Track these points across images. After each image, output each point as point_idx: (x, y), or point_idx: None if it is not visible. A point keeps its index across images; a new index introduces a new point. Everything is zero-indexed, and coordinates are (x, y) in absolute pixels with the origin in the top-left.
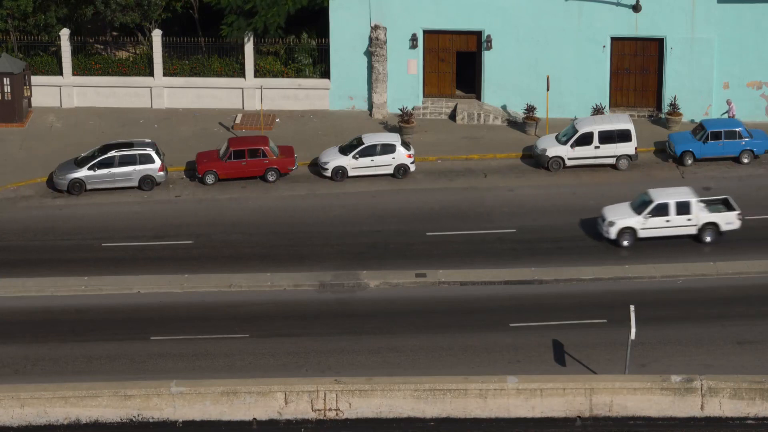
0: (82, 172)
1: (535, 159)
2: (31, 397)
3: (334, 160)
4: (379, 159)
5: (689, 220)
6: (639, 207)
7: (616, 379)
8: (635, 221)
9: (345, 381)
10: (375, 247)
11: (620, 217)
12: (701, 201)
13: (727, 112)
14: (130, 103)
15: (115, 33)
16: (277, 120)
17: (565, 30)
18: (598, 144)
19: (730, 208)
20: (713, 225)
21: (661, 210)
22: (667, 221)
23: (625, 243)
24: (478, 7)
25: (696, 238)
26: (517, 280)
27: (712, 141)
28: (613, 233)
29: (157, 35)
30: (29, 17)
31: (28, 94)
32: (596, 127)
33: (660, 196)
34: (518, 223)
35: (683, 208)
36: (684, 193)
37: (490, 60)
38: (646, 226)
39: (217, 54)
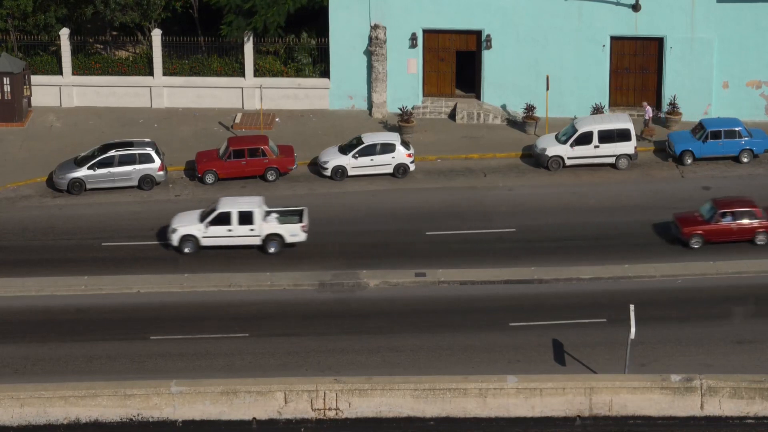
0: (82, 172)
1: (534, 158)
2: (31, 397)
3: (333, 159)
4: (378, 158)
5: (252, 230)
6: (204, 215)
7: (616, 379)
8: (196, 229)
9: (345, 380)
10: (375, 246)
11: (183, 225)
12: (273, 211)
13: (644, 114)
14: (129, 103)
15: (114, 33)
16: (277, 119)
17: (565, 30)
18: (597, 143)
19: (301, 219)
20: (277, 236)
21: (224, 219)
22: (229, 230)
23: (187, 250)
24: (477, 7)
25: (261, 249)
26: (517, 280)
27: (711, 140)
28: (175, 240)
29: (156, 35)
30: (29, 17)
31: (28, 93)
32: (596, 126)
33: (226, 205)
34: (518, 222)
35: (246, 218)
36: (250, 203)
37: (489, 59)
38: (207, 234)
39: (217, 53)
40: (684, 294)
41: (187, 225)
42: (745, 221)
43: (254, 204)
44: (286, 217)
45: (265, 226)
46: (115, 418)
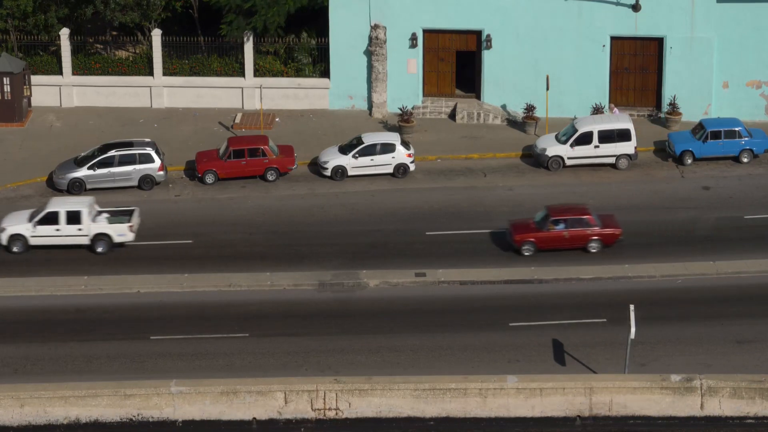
0: (82, 172)
1: (534, 158)
2: (31, 397)
3: (333, 159)
4: (378, 158)
5: (80, 230)
6: (33, 215)
7: (616, 379)
8: (25, 228)
9: (345, 380)
10: (374, 246)
11: (12, 224)
12: (104, 212)
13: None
14: (129, 103)
15: (114, 33)
16: (277, 119)
17: (565, 29)
18: (597, 143)
19: (130, 219)
20: (105, 236)
21: (52, 219)
22: (58, 230)
23: (16, 249)
24: (477, 7)
25: (90, 249)
26: (517, 280)
27: (711, 140)
28: (3, 239)
29: (156, 35)
30: (29, 17)
31: (28, 93)
32: (596, 126)
33: (55, 205)
34: None
35: (74, 218)
36: (79, 203)
37: (489, 59)
38: (36, 233)
39: (217, 53)
40: (684, 294)
41: (15, 224)
42: (578, 229)
43: (83, 204)
44: (116, 217)
45: (93, 226)
46: (115, 418)
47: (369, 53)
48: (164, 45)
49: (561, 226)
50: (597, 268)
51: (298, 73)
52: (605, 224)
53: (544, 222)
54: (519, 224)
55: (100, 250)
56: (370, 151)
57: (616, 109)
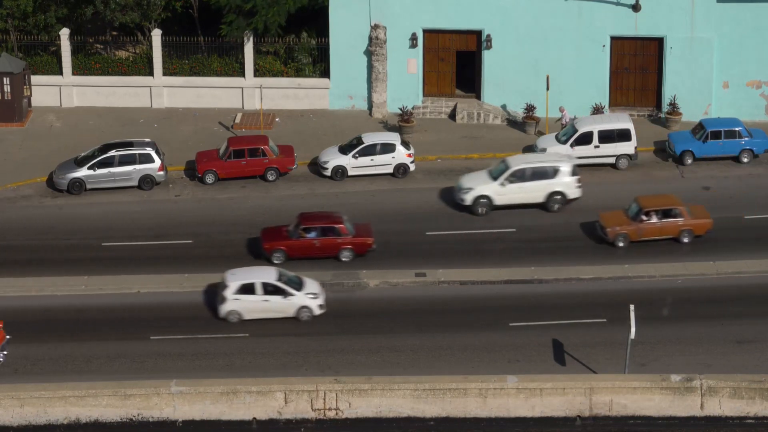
0: (82, 172)
1: None
2: (31, 397)
3: (333, 159)
4: (378, 158)
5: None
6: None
7: (616, 379)
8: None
9: (345, 380)
10: (375, 246)
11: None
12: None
13: (560, 119)
14: (129, 103)
15: (114, 33)
16: (277, 119)
17: (565, 29)
18: (597, 143)
19: None
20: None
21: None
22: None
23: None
24: (477, 7)
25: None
26: (517, 280)
27: (711, 140)
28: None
29: (156, 35)
30: (29, 17)
31: (28, 93)
32: (596, 126)
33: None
34: (518, 222)
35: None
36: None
37: (489, 59)
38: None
39: (217, 53)
40: (684, 294)
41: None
42: (330, 237)
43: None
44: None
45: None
46: (115, 418)
47: (369, 53)
48: (164, 45)
49: (312, 234)
50: (597, 268)
51: (298, 73)
52: (358, 233)
53: (296, 230)
54: (270, 231)
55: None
56: (370, 151)
57: (566, 112)
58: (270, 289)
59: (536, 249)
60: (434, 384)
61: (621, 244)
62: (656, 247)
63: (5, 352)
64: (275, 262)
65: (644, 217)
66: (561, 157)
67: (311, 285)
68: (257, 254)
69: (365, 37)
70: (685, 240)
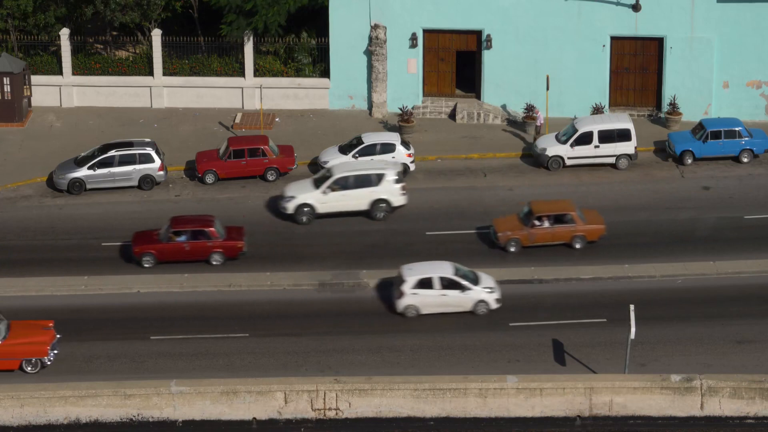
0: (82, 172)
1: (534, 158)
2: (31, 397)
3: (333, 159)
4: (379, 158)
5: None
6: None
7: (616, 379)
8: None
9: (345, 380)
10: (375, 246)
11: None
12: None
13: (535, 120)
14: (129, 103)
15: (114, 33)
16: (277, 119)
17: (565, 29)
18: (597, 143)
19: None
20: None
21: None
22: None
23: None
24: (478, 7)
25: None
26: (517, 280)
27: (711, 140)
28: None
29: (156, 35)
30: (29, 17)
31: (28, 93)
32: (596, 126)
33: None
34: None
35: None
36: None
37: (489, 59)
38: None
39: (217, 53)
40: (684, 294)
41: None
42: (200, 241)
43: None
44: None
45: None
46: (115, 418)
47: (369, 53)
48: (164, 45)
49: (182, 237)
50: (597, 268)
51: (298, 73)
52: (229, 236)
53: (166, 233)
54: (141, 235)
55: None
56: (370, 151)
57: (539, 114)
58: (447, 284)
59: (536, 248)
60: (434, 384)
61: (512, 249)
62: (657, 247)
63: (56, 351)
64: (146, 265)
65: (536, 222)
66: (386, 164)
67: (487, 279)
68: (267, 253)
69: (365, 36)
70: (578, 246)
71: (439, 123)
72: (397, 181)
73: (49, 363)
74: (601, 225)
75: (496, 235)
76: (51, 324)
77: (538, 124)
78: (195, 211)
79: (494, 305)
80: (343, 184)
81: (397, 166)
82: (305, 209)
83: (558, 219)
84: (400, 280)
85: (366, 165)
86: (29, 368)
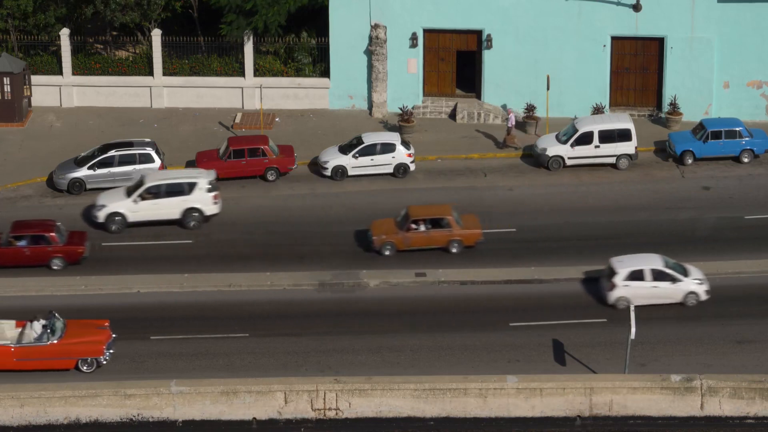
0: (82, 172)
1: (535, 158)
2: (31, 397)
3: (333, 159)
4: (378, 158)
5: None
6: None
7: (616, 379)
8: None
9: (345, 380)
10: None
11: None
12: None
13: (507, 120)
14: (129, 103)
15: (114, 33)
16: (277, 119)
17: (565, 29)
18: (598, 143)
19: None
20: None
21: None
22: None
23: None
24: (478, 7)
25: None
26: (517, 280)
27: (712, 140)
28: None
29: (156, 35)
30: (29, 17)
31: (28, 93)
32: (596, 126)
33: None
34: (518, 222)
35: None
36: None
37: (490, 59)
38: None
39: (217, 53)
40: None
41: None
42: (41, 245)
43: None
44: None
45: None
46: (115, 418)
47: (369, 53)
48: (164, 45)
49: (22, 242)
50: (597, 268)
51: (298, 72)
52: (70, 241)
53: (6, 237)
54: None
55: None
56: (370, 150)
57: (512, 114)
58: (658, 276)
59: (536, 249)
60: (434, 384)
61: (387, 253)
62: (657, 247)
63: (111, 350)
64: None
65: (412, 226)
66: (199, 173)
67: (695, 271)
68: (267, 253)
69: (365, 36)
70: (454, 250)
71: (439, 123)
72: (210, 190)
73: (104, 362)
74: (478, 230)
75: (372, 238)
76: (106, 323)
77: (510, 125)
78: None
79: (704, 296)
80: (155, 192)
81: (210, 174)
82: (116, 218)
83: (434, 223)
84: (611, 273)
85: (179, 174)
86: (85, 368)
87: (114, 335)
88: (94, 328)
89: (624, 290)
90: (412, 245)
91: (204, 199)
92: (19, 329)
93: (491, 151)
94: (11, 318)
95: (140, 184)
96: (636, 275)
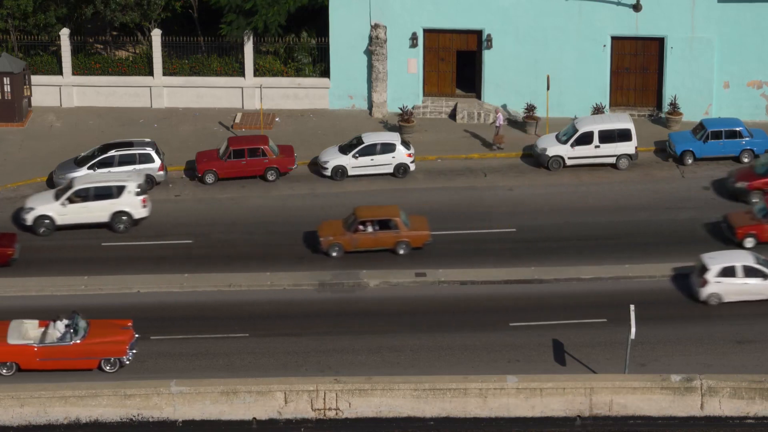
0: (82, 172)
1: (535, 158)
2: (31, 397)
3: (333, 159)
4: (378, 158)
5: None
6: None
7: (616, 379)
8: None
9: (345, 380)
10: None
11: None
12: None
13: (493, 122)
14: (129, 103)
15: (114, 33)
16: (277, 119)
17: (566, 29)
18: (598, 143)
19: None
20: None
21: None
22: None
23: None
24: (478, 6)
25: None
26: (517, 280)
27: (712, 140)
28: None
29: (156, 35)
30: (29, 17)
31: (28, 93)
32: (596, 126)
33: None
34: (518, 222)
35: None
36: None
37: (490, 59)
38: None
39: (217, 53)
40: (684, 294)
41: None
42: None
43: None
44: None
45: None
46: (115, 418)
47: (369, 53)
48: (164, 45)
49: None
50: (597, 268)
51: (298, 72)
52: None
53: None
54: None
55: None
56: (370, 150)
57: (500, 114)
58: (749, 272)
59: (536, 249)
60: (434, 384)
61: (335, 254)
62: (657, 247)
63: (134, 351)
64: None
65: (359, 227)
66: (129, 176)
67: None
68: (267, 253)
69: (365, 36)
70: (401, 252)
71: (439, 123)
72: (139, 194)
73: (127, 362)
74: (426, 231)
75: (319, 239)
76: (129, 323)
77: (498, 124)
78: (195, 212)
79: None
80: (84, 195)
81: (140, 177)
82: (45, 221)
83: (382, 224)
84: (702, 269)
85: (107, 177)
86: (108, 367)
87: (137, 335)
88: (118, 328)
89: (716, 286)
90: (360, 246)
91: (133, 203)
92: (42, 329)
93: (491, 151)
94: (34, 318)
95: (69, 187)
96: (728, 272)
